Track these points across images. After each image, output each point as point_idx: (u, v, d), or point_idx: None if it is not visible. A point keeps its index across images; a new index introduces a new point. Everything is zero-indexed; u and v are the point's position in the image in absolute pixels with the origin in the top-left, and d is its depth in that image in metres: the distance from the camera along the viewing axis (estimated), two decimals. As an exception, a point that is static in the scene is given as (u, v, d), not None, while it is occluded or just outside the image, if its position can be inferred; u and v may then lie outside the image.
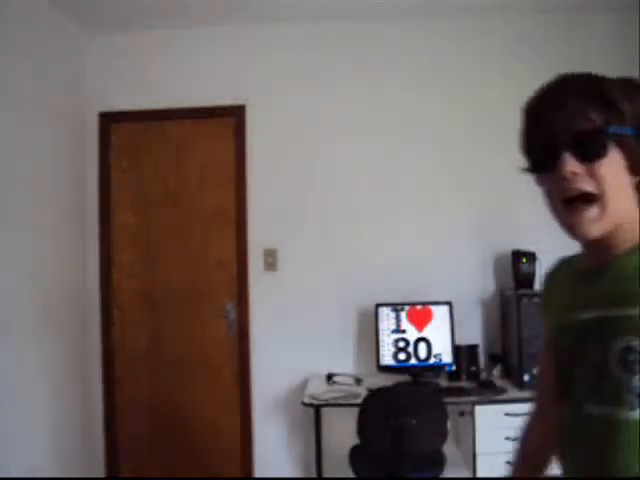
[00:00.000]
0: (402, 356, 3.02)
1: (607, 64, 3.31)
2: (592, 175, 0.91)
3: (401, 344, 3.03)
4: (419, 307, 3.03)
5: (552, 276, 1.17)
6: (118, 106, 3.33)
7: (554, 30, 3.24)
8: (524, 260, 3.01)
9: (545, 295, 1.16)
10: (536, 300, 2.84)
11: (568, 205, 0.94)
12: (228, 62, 3.33)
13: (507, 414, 2.71)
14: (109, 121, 3.38)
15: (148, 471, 3.32)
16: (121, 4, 3.02)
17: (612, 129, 0.91)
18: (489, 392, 2.76)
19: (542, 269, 3.04)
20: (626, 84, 0.97)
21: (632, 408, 0.86)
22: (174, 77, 3.34)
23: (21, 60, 2.70)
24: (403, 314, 3.05)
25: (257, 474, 3.28)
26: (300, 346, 3.26)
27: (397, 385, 2.88)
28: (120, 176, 3.39)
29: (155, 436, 3.35)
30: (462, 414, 2.94)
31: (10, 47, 2.60)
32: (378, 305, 3.08)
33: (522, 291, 2.93)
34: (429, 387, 2.89)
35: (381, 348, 3.06)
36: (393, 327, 3.05)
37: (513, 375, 2.92)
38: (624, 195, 0.94)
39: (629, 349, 0.87)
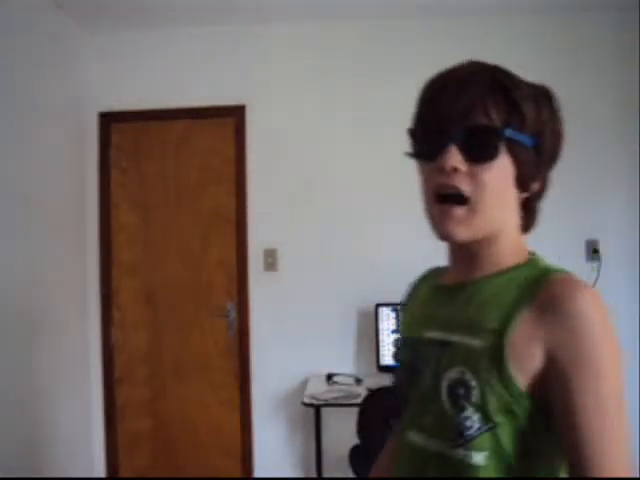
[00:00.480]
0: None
1: (607, 64, 3.35)
2: (474, 177, 0.82)
3: (401, 344, 3.03)
4: (419, 307, 3.03)
5: (414, 287, 1.07)
6: (118, 106, 3.33)
7: (554, 30, 3.24)
8: (524, 260, 3.01)
9: (405, 306, 1.06)
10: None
11: (439, 201, 0.84)
12: (228, 62, 3.33)
13: (507, 414, 2.71)
14: (109, 121, 3.38)
15: (148, 471, 3.32)
16: (121, 4, 3.02)
17: (509, 132, 0.82)
18: (489, 392, 2.77)
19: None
20: (536, 90, 0.90)
21: (452, 444, 0.80)
22: (174, 77, 3.34)
23: (21, 60, 2.70)
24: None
25: (257, 474, 3.28)
26: (300, 346, 3.26)
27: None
28: (120, 176, 3.39)
29: (155, 436, 3.35)
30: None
31: (10, 47, 2.60)
32: (378, 305, 3.08)
33: (522, 291, 2.93)
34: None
35: (381, 348, 3.06)
36: (393, 327, 3.05)
37: (513, 375, 2.92)
38: (503, 207, 0.86)
39: (460, 382, 0.80)
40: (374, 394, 2.53)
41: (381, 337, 3.06)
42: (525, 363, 0.77)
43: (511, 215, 0.89)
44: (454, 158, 0.81)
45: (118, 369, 3.36)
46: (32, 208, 2.76)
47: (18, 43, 2.67)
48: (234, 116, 3.33)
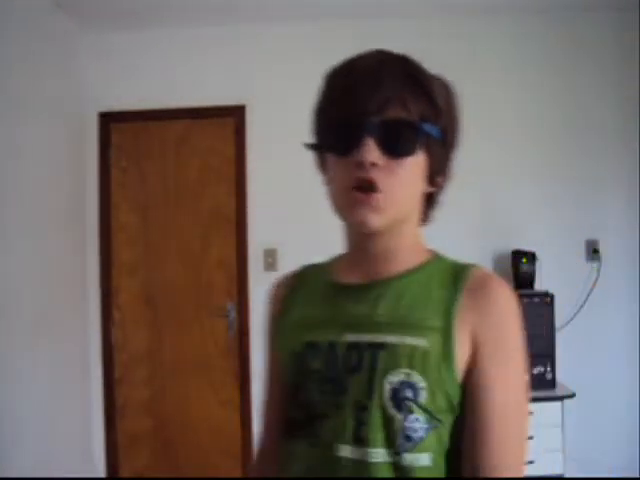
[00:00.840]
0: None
1: (607, 64, 3.35)
2: (391, 171, 0.80)
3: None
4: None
5: (290, 288, 0.99)
6: (118, 106, 3.33)
7: (554, 30, 3.24)
8: (524, 260, 3.01)
9: (279, 310, 0.97)
10: (536, 300, 2.85)
11: (354, 192, 0.80)
12: (228, 62, 3.33)
13: (507, 414, 2.71)
14: (109, 121, 3.38)
15: (148, 471, 3.32)
16: (121, 4, 3.02)
17: (427, 127, 0.81)
18: (489, 392, 2.77)
19: (542, 269, 3.05)
20: (439, 81, 0.87)
21: (398, 450, 0.77)
22: (174, 77, 3.34)
23: (21, 60, 2.70)
24: (403, 314, 3.04)
25: (257, 474, 3.27)
26: (300, 346, 3.25)
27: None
28: (120, 176, 3.39)
29: (155, 436, 3.35)
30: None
31: (10, 47, 2.60)
32: (378, 305, 3.08)
33: (522, 291, 2.93)
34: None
35: (381, 348, 3.05)
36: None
37: (513, 375, 2.92)
38: (412, 201, 0.85)
39: (407, 384, 0.77)
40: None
41: (381, 337, 3.06)
42: (463, 356, 0.78)
43: (416, 209, 0.88)
44: (373, 153, 0.78)
45: (118, 369, 3.36)
46: (32, 208, 2.76)
47: (18, 43, 2.67)
48: (234, 116, 3.32)
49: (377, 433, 0.77)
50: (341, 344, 0.83)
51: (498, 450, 0.76)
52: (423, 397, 0.76)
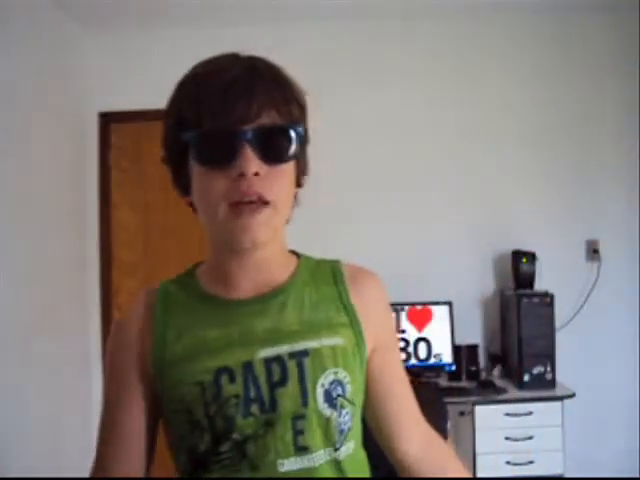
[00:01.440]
0: (402, 356, 3.02)
1: (607, 64, 3.35)
2: (272, 181, 0.77)
3: (401, 344, 3.03)
4: (419, 307, 3.03)
5: (154, 312, 0.87)
6: (118, 106, 3.33)
7: (554, 30, 3.24)
8: (524, 260, 3.01)
9: (146, 339, 0.85)
10: (536, 300, 2.85)
11: (237, 206, 0.76)
12: (228, 62, 3.33)
13: (507, 414, 2.72)
14: (109, 121, 3.38)
15: (148, 471, 3.31)
16: (122, 4, 3.01)
17: (299, 129, 0.80)
18: (489, 392, 2.77)
19: (542, 269, 3.05)
20: (294, 82, 0.87)
21: (335, 446, 0.80)
22: (174, 77, 3.31)
23: (20, 60, 2.70)
24: (403, 314, 3.04)
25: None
26: (300, 346, 3.25)
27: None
28: (120, 176, 3.39)
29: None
30: (462, 414, 2.94)
31: (9, 47, 2.60)
32: (378, 305, 3.08)
33: (522, 291, 2.93)
34: (429, 387, 2.89)
35: (381, 348, 3.05)
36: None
37: (513, 375, 2.92)
38: (289, 206, 0.84)
39: (336, 382, 0.80)
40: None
41: (381, 337, 3.06)
42: (369, 343, 0.87)
43: (290, 213, 0.87)
44: (254, 162, 0.75)
45: (118, 369, 3.36)
46: (32, 208, 2.76)
47: (18, 43, 2.67)
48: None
49: (317, 437, 0.78)
50: (257, 361, 0.79)
51: (415, 409, 0.94)
52: (349, 391, 0.81)
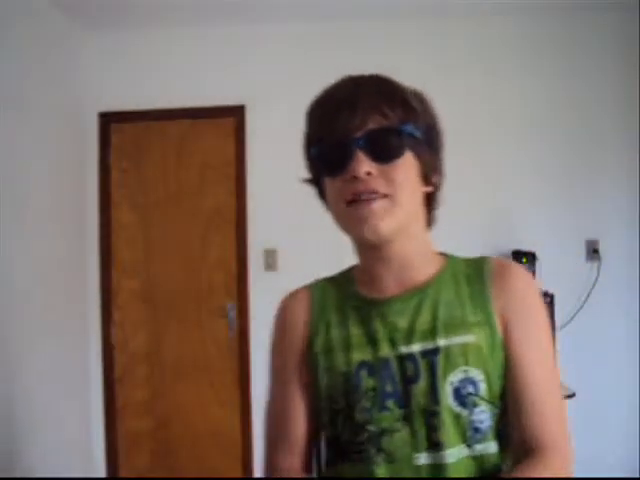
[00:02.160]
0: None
1: (607, 64, 3.35)
2: (388, 177, 0.84)
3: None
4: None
5: (311, 305, 0.99)
6: (118, 106, 3.33)
7: (554, 30, 3.23)
8: (524, 260, 3.01)
9: (304, 330, 0.97)
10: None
11: (353, 202, 0.85)
12: (228, 62, 3.33)
13: (507, 414, 2.71)
14: (109, 121, 3.38)
15: (148, 471, 3.32)
16: (122, 4, 3.01)
17: (408, 128, 0.86)
18: (489, 392, 2.77)
19: (542, 269, 3.05)
20: (412, 90, 0.94)
21: (470, 443, 0.82)
22: (174, 77, 3.33)
23: (20, 60, 2.70)
24: (403, 314, 3.04)
25: (257, 474, 3.27)
26: (300, 346, 3.25)
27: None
28: (120, 176, 3.38)
29: (155, 436, 3.35)
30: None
31: (9, 47, 2.60)
32: (378, 305, 3.08)
33: (522, 291, 2.93)
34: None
35: (381, 348, 3.05)
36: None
37: (513, 375, 2.92)
38: (415, 202, 0.90)
39: (467, 381, 0.82)
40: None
41: (381, 337, 3.06)
42: (504, 345, 0.86)
43: (419, 209, 0.92)
44: (365, 163, 0.83)
45: (118, 369, 3.36)
46: (32, 208, 2.76)
47: (18, 43, 2.67)
48: (234, 116, 3.32)
49: (450, 433, 0.82)
50: (393, 359, 0.86)
51: (540, 421, 0.82)
52: (483, 389, 0.83)
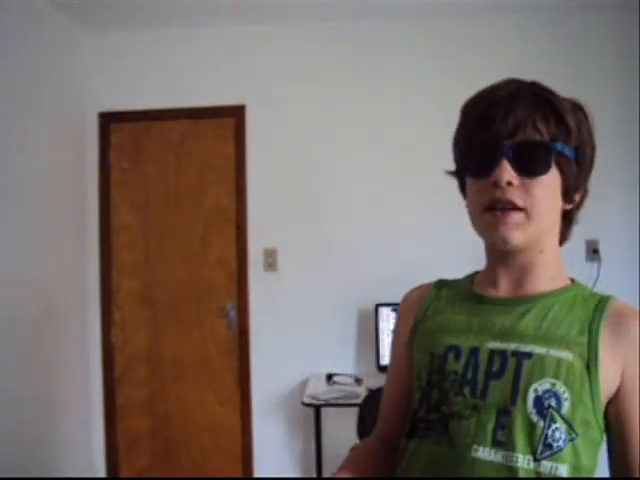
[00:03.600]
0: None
1: (607, 64, 3.35)
2: (527, 190, 0.85)
3: (401, 344, 3.03)
4: (419, 307, 3.03)
5: (429, 295, 1.04)
6: (118, 106, 3.33)
7: (554, 30, 3.24)
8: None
9: (417, 314, 1.03)
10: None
11: (492, 210, 0.87)
12: (228, 62, 3.33)
13: (507, 414, 2.71)
14: (109, 121, 3.38)
15: (148, 471, 3.32)
16: (121, 4, 3.01)
17: (558, 146, 0.86)
18: (489, 392, 2.76)
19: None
20: (572, 104, 0.92)
21: (538, 456, 0.79)
22: (174, 77, 3.34)
23: (21, 60, 2.70)
24: (403, 314, 3.04)
25: (257, 474, 3.28)
26: (300, 346, 3.26)
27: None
28: (120, 176, 3.39)
29: (155, 436, 3.35)
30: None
31: (10, 47, 2.60)
32: (378, 305, 3.08)
33: (522, 291, 2.93)
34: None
35: (381, 348, 3.06)
36: (393, 327, 3.04)
37: (513, 375, 2.92)
38: (552, 218, 0.91)
39: (551, 393, 0.80)
40: (374, 394, 2.52)
41: (381, 337, 3.06)
42: (608, 380, 0.82)
43: (555, 226, 0.93)
44: (508, 173, 0.84)
45: (118, 369, 3.36)
46: (32, 208, 2.76)
47: (18, 43, 2.67)
48: (234, 116, 3.32)
49: (519, 438, 0.80)
50: (483, 350, 0.87)
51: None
52: (565, 408, 0.80)
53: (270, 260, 3.28)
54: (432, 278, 1.16)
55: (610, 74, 3.21)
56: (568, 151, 0.87)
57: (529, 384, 0.81)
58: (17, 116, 2.65)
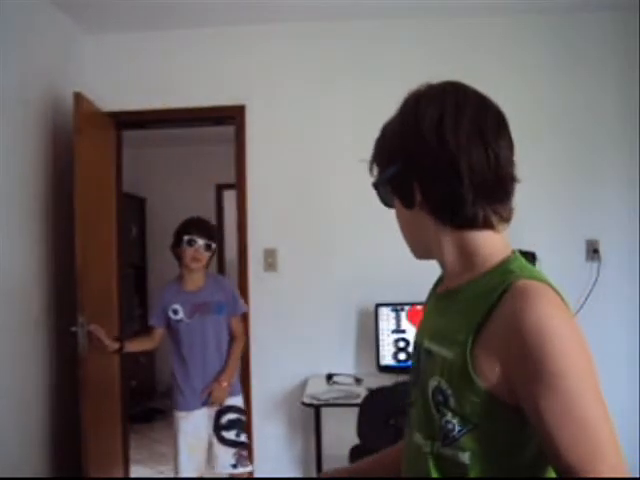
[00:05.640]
0: (402, 356, 3.03)
1: (607, 64, 3.35)
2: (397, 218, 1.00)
3: (401, 344, 3.03)
4: (419, 307, 3.03)
5: (428, 295, 1.12)
6: (118, 106, 3.33)
7: (554, 30, 3.24)
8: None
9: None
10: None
11: None
12: (228, 62, 3.33)
13: (507, 414, 2.71)
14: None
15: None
16: (121, 5, 3.01)
17: (382, 178, 0.95)
18: (489, 392, 2.76)
19: (542, 269, 3.05)
20: (397, 119, 0.97)
21: (442, 444, 0.84)
22: (174, 77, 3.34)
23: (21, 60, 2.70)
24: (403, 314, 3.05)
25: (257, 474, 3.27)
26: (300, 346, 3.26)
27: (397, 385, 2.88)
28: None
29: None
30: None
31: (10, 47, 2.60)
32: (378, 305, 3.08)
33: (522, 291, 2.93)
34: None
35: (381, 348, 3.06)
36: (393, 327, 3.05)
37: (513, 375, 2.92)
38: (412, 229, 0.97)
39: (438, 390, 0.84)
40: (374, 394, 2.53)
41: (381, 337, 3.06)
42: (488, 374, 0.78)
43: (425, 229, 0.92)
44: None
45: (118, 369, 3.36)
46: (32, 208, 2.76)
47: (18, 43, 2.67)
48: (234, 116, 3.32)
49: (427, 427, 0.88)
50: (423, 347, 0.94)
51: (567, 455, 0.73)
52: (452, 402, 0.82)
53: (270, 260, 3.28)
54: (432, 278, 1.16)
55: (610, 74, 3.21)
56: (392, 170, 0.91)
57: (427, 381, 0.88)
58: (17, 116, 2.65)
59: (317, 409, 2.79)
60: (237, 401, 2.64)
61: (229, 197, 5.07)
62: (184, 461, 2.51)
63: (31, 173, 2.77)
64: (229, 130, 3.41)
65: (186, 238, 2.55)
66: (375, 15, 3.22)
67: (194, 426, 2.53)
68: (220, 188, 5.57)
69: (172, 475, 3.41)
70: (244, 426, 2.65)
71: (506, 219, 0.96)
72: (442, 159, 0.85)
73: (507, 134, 0.98)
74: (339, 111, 3.28)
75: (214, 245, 2.63)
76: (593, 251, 3.17)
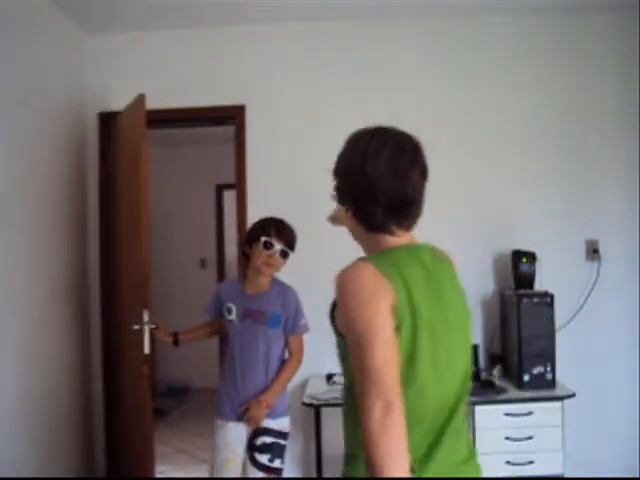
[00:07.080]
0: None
1: (607, 64, 3.35)
2: None
3: (401, 344, 3.03)
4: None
5: None
6: (118, 106, 3.33)
7: (554, 30, 3.24)
8: (524, 260, 3.01)
9: None
10: (536, 300, 2.85)
11: None
12: (228, 62, 3.33)
13: (507, 414, 2.71)
14: (109, 121, 3.38)
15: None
16: (121, 4, 3.01)
17: (332, 192, 1.28)
18: (489, 392, 2.76)
19: (542, 269, 3.05)
20: (345, 145, 1.36)
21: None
22: (174, 77, 3.34)
23: (21, 60, 2.70)
24: (403, 314, 3.04)
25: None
26: (300, 346, 3.25)
27: (397, 385, 2.88)
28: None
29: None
30: (462, 414, 2.94)
31: (10, 47, 2.60)
32: (378, 305, 3.07)
33: (522, 291, 2.93)
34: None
35: (381, 348, 3.05)
36: None
37: (513, 375, 2.92)
38: (356, 231, 1.32)
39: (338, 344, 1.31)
40: (374, 394, 2.52)
41: (381, 337, 3.05)
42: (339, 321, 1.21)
43: (361, 231, 1.27)
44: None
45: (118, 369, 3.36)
46: (32, 208, 2.76)
47: (18, 43, 2.67)
48: (234, 116, 3.32)
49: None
50: None
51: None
52: (339, 352, 1.34)
53: (270, 260, 3.27)
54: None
55: (610, 74, 3.21)
56: (334, 191, 1.27)
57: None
58: (18, 116, 2.65)
59: (317, 409, 2.79)
60: (278, 424, 2.33)
61: (229, 197, 5.08)
62: (216, 471, 2.33)
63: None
64: (229, 130, 3.42)
65: (263, 239, 2.34)
66: (375, 15, 3.22)
67: (228, 438, 2.31)
68: (220, 188, 5.59)
69: (173, 475, 3.41)
70: (282, 452, 2.34)
71: (406, 228, 1.24)
72: (364, 187, 1.17)
73: (419, 166, 1.25)
74: (339, 111, 3.28)
75: (291, 253, 2.44)
76: (593, 251, 3.17)
